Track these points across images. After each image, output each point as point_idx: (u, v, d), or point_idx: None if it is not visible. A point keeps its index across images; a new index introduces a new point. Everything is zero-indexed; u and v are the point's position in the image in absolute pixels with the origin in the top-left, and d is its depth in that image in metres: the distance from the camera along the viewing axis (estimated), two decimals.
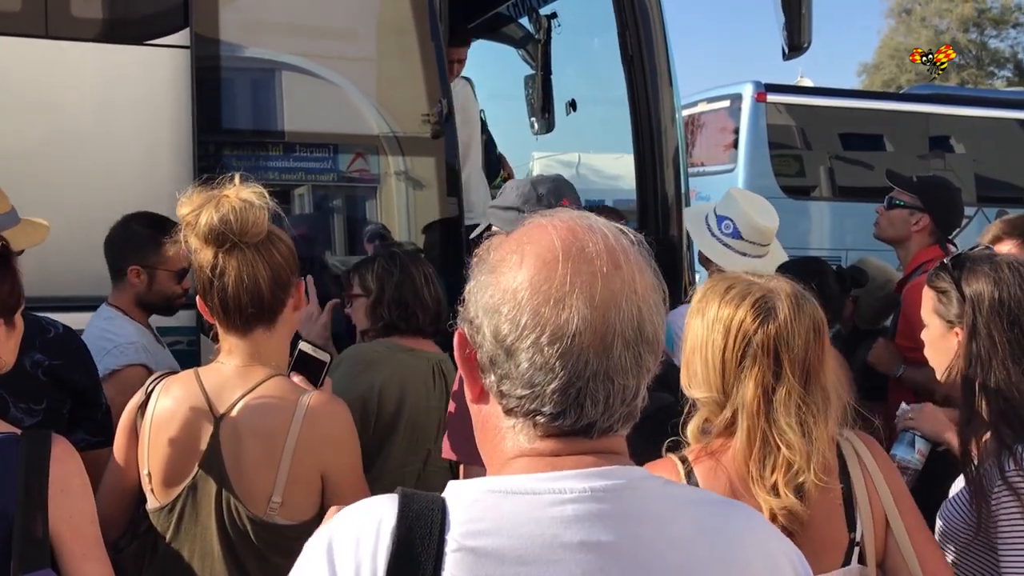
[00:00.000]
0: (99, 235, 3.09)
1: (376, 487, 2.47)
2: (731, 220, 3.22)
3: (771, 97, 9.04)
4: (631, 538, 1.02)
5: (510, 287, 1.04)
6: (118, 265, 2.98)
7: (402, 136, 3.97)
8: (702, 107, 9.65)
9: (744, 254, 3.16)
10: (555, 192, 2.71)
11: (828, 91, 10.49)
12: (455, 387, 2.34)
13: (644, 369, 1.07)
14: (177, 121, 3.40)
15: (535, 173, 7.22)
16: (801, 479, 1.69)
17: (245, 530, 1.97)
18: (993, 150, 9.86)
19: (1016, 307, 2.03)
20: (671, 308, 2.20)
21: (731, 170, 8.94)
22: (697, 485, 1.70)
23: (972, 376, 2.05)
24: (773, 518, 1.68)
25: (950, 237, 3.81)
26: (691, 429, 1.81)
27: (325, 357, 2.12)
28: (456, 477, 2.28)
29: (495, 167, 5.69)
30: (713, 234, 3.23)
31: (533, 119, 5.89)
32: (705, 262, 3.48)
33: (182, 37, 3.42)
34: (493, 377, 1.07)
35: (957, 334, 2.11)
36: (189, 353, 3.25)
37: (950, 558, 2.04)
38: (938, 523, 2.11)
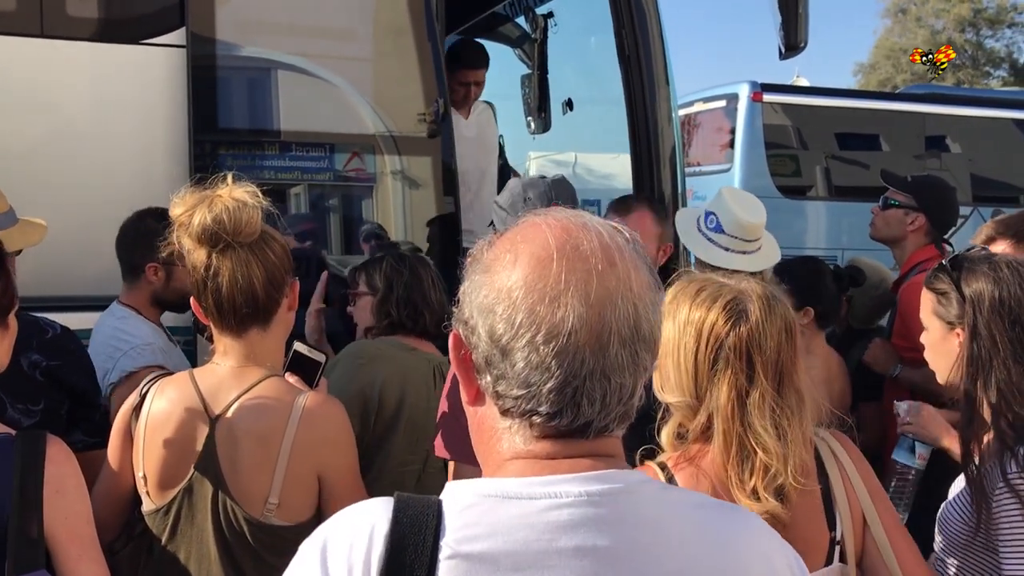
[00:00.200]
0: (95, 235, 3.08)
1: (376, 486, 2.47)
2: (715, 215, 3.22)
3: (767, 97, 9.03)
4: (627, 543, 1.01)
5: (504, 286, 1.04)
6: (134, 262, 2.90)
7: (398, 135, 3.96)
8: (698, 107, 9.65)
9: (727, 249, 3.15)
10: (544, 197, 2.70)
11: (824, 91, 10.48)
12: (447, 385, 2.34)
13: (641, 368, 1.06)
14: (173, 121, 3.39)
15: (531, 173, 7.21)
16: (779, 481, 1.69)
17: (242, 531, 1.97)
18: (989, 150, 9.87)
19: (1016, 306, 2.02)
20: None
21: (727, 170, 8.93)
22: None
23: (973, 376, 2.04)
24: None
25: (946, 236, 3.81)
26: (666, 435, 1.80)
27: (320, 357, 2.11)
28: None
29: None
30: (699, 230, 3.24)
31: (529, 119, 5.88)
32: (701, 265, 3.47)
33: (178, 36, 3.42)
34: (489, 378, 1.06)
35: (958, 335, 2.10)
36: (185, 353, 3.24)
37: (951, 560, 2.04)
38: (938, 525, 2.11)
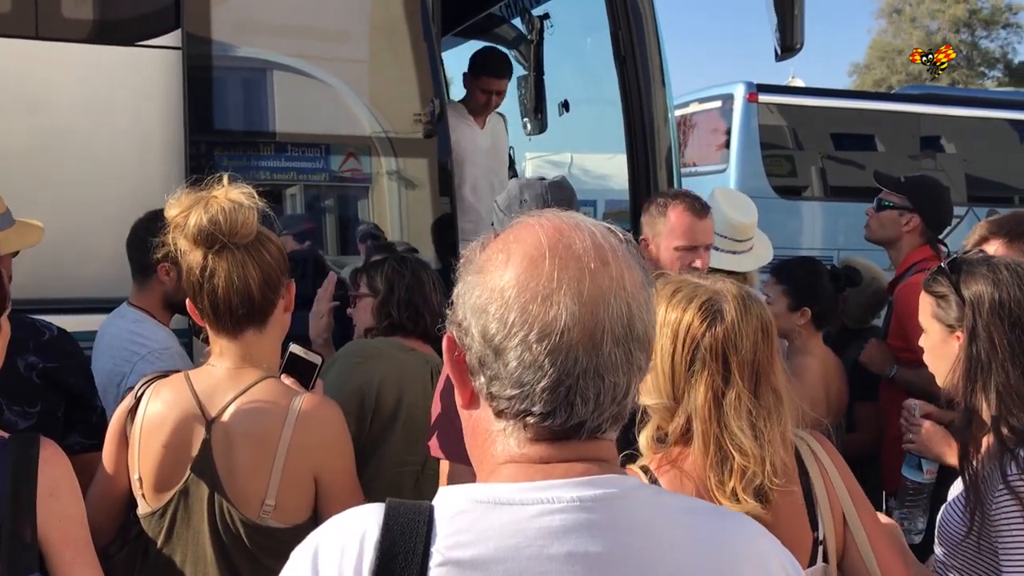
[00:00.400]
0: (92, 237, 3.07)
1: (373, 485, 2.47)
2: None
3: (763, 97, 9.03)
4: (620, 548, 1.01)
5: (497, 286, 1.04)
6: (146, 262, 2.82)
7: (394, 136, 3.96)
8: (694, 107, 9.65)
9: (717, 248, 3.16)
10: (540, 198, 2.70)
11: (820, 91, 10.49)
12: (440, 385, 2.33)
13: (635, 367, 1.05)
14: (169, 122, 3.39)
15: (528, 174, 7.22)
16: (757, 483, 1.68)
17: (238, 534, 1.97)
18: (984, 150, 9.89)
19: (1016, 308, 2.01)
20: None
21: (723, 170, 8.94)
22: None
23: (972, 379, 2.03)
24: None
25: (941, 237, 3.82)
26: (644, 438, 1.79)
27: (316, 359, 2.11)
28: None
29: None
30: None
31: (526, 120, 5.89)
32: None
33: (174, 38, 3.41)
34: (483, 379, 1.06)
35: (958, 338, 2.09)
36: None
37: (951, 562, 2.03)
38: (937, 527, 2.11)
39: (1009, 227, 3.00)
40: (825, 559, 1.81)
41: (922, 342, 2.24)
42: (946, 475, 2.31)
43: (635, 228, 4.20)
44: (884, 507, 3.42)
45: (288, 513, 1.98)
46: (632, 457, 1.78)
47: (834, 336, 3.90)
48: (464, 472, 1.16)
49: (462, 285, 1.09)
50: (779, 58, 4.06)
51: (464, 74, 4.83)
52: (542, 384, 1.02)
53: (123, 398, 2.64)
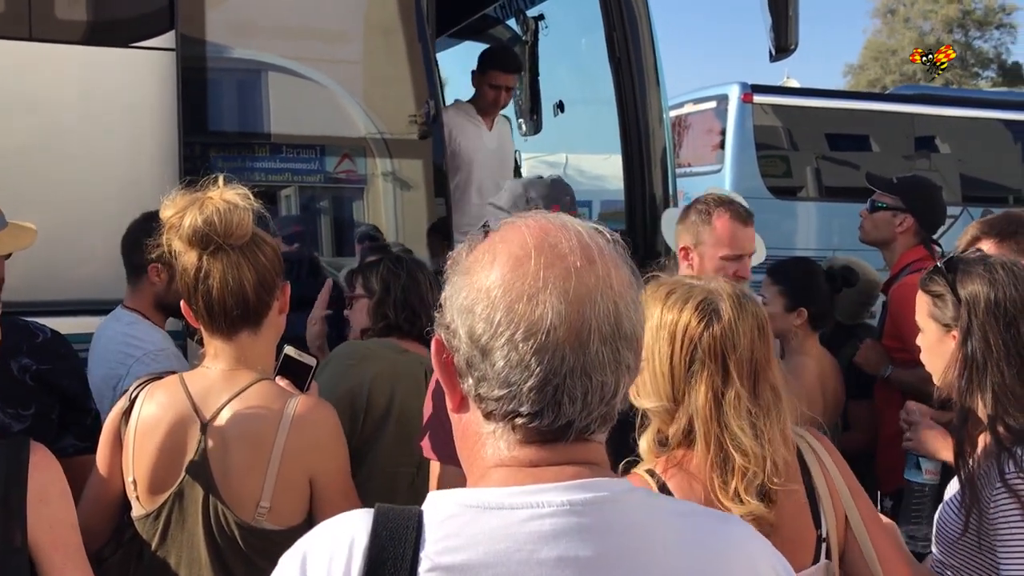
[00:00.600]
0: (86, 239, 3.06)
1: (368, 486, 2.47)
2: None
3: (757, 98, 9.05)
4: (611, 552, 1.00)
5: (483, 286, 1.04)
6: (137, 263, 2.85)
7: (389, 137, 3.96)
8: (688, 108, 9.67)
9: None
10: (548, 197, 2.69)
11: (814, 92, 10.51)
12: (432, 385, 2.33)
13: (623, 366, 1.05)
14: (163, 123, 3.38)
15: (523, 175, 7.22)
16: (758, 482, 1.68)
17: (233, 536, 1.96)
18: (978, 150, 9.91)
19: (1012, 308, 2.01)
20: None
21: (718, 171, 8.95)
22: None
23: (968, 378, 2.04)
24: None
25: (935, 237, 3.82)
26: (645, 442, 1.78)
27: (311, 361, 2.11)
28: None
29: None
30: None
31: (521, 120, 5.90)
32: None
33: (167, 39, 3.41)
34: (471, 380, 1.06)
35: (954, 337, 2.09)
36: None
37: (949, 561, 2.03)
38: (935, 527, 2.11)
39: (1000, 227, 3.01)
40: (828, 556, 1.82)
41: (919, 341, 2.25)
42: (949, 478, 2.31)
43: (631, 228, 4.22)
44: (879, 506, 3.42)
45: (283, 515, 1.98)
46: (634, 463, 1.78)
47: (828, 334, 3.91)
48: (455, 474, 1.16)
49: (449, 287, 1.09)
50: (773, 59, 4.07)
51: (472, 72, 4.83)
52: (529, 383, 1.01)
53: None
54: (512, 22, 5.80)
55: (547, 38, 5.64)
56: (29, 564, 1.67)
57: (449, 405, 1.12)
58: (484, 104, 4.80)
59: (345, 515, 1.08)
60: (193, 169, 3.29)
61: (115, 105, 3.36)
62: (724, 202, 2.97)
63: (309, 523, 1.95)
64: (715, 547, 1.07)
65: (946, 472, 2.47)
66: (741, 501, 1.67)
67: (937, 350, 2.17)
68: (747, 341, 1.73)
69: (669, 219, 3.45)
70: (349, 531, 1.03)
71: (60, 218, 3.13)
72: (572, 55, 5.81)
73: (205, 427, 1.99)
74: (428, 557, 0.99)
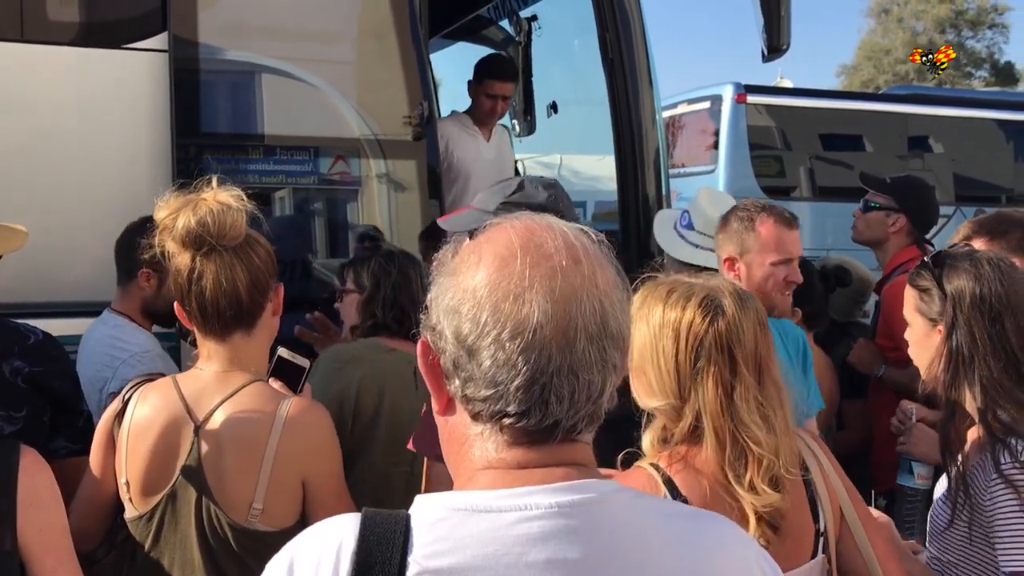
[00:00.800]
0: (78, 240, 3.05)
1: (360, 487, 2.46)
2: (688, 214, 3.23)
3: (751, 98, 9.06)
4: (599, 554, 1.00)
5: (469, 286, 1.04)
6: (128, 267, 2.86)
7: (383, 139, 3.96)
8: (682, 108, 9.67)
9: (696, 245, 3.14)
10: (563, 194, 2.68)
11: (808, 92, 10.53)
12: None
13: (610, 365, 1.05)
14: (156, 125, 3.37)
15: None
16: (774, 472, 1.69)
17: (226, 537, 1.96)
18: (971, 150, 9.94)
19: (997, 303, 2.02)
20: None
21: (711, 171, 8.96)
22: (677, 491, 1.69)
23: (953, 373, 2.05)
24: (759, 517, 1.68)
25: (928, 236, 3.84)
26: (648, 440, 1.78)
27: (304, 363, 2.11)
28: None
29: None
30: (674, 228, 3.24)
31: (514, 121, 5.89)
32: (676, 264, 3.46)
33: (160, 41, 3.40)
34: (457, 381, 1.05)
35: (940, 331, 2.10)
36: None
37: (945, 557, 2.03)
38: (929, 523, 2.11)
39: (991, 226, 3.02)
40: (824, 551, 1.83)
41: (906, 335, 2.26)
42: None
43: (624, 229, 4.22)
44: (874, 505, 3.43)
45: (276, 517, 1.98)
46: (635, 455, 1.79)
47: (822, 334, 3.92)
48: (446, 471, 1.15)
49: (435, 289, 1.09)
50: (766, 59, 4.08)
51: (468, 82, 4.78)
52: (516, 383, 1.01)
53: (107, 403, 2.63)
54: (505, 23, 5.79)
55: (540, 39, 5.64)
56: (19, 568, 1.66)
57: (435, 407, 1.12)
58: (481, 114, 4.74)
59: (333, 519, 1.07)
60: (186, 171, 3.29)
61: (108, 107, 3.35)
62: (766, 207, 2.87)
63: (302, 525, 1.95)
64: (704, 547, 1.07)
65: (939, 477, 2.48)
66: (757, 492, 1.68)
67: (924, 344, 2.18)
68: (751, 335, 1.74)
69: (662, 220, 3.45)
70: (337, 535, 1.03)
71: (52, 220, 3.13)
72: (565, 56, 5.81)
73: (198, 429, 1.98)
74: (416, 561, 0.99)
